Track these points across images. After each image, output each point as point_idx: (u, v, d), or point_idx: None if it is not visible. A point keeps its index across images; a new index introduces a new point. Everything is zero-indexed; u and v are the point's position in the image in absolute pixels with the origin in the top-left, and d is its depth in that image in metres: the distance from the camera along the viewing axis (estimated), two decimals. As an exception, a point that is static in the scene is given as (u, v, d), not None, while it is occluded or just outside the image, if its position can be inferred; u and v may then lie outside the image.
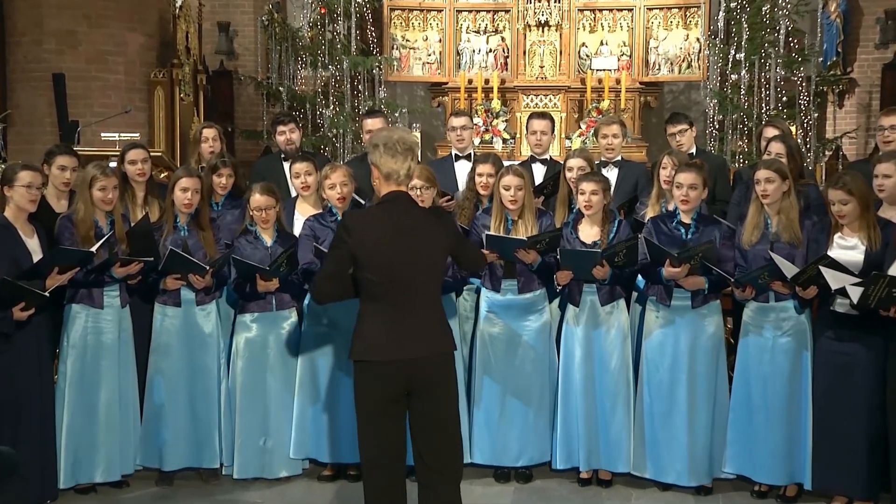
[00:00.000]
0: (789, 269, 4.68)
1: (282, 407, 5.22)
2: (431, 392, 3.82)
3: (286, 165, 6.42)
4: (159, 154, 7.19)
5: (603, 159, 6.23)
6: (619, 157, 6.32)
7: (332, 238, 3.98)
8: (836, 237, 4.76)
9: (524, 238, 4.98)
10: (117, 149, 6.58)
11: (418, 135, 9.91)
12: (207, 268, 5.02)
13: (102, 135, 7.79)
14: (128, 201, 5.55)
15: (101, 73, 9.73)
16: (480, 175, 5.49)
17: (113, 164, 5.62)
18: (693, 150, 6.36)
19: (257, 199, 5.16)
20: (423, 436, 3.84)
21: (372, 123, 6.44)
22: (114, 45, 9.76)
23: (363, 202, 5.70)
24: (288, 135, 6.54)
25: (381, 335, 3.77)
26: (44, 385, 4.85)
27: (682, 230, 5.06)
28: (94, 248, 4.78)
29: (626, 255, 4.93)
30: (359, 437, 3.85)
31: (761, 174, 4.93)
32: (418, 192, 5.06)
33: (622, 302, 5.21)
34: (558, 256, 5.03)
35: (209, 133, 6.34)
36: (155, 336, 5.18)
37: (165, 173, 6.94)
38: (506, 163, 5.73)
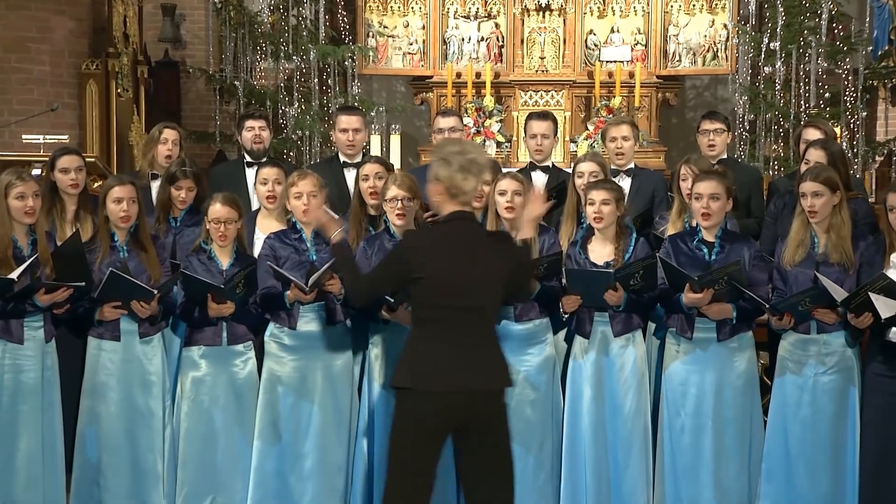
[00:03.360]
0: (838, 294, 4.70)
1: (235, 458, 5.19)
2: (490, 432, 4.17)
3: (250, 173, 6.42)
4: (92, 160, 7.18)
5: (613, 167, 6.24)
6: (631, 165, 6.34)
7: (388, 254, 4.52)
8: (893, 257, 4.80)
9: None
10: (42, 153, 6.57)
11: (398, 137, 9.94)
12: (154, 292, 5.01)
13: (24, 137, 7.78)
14: (55, 216, 5.53)
15: (21, 63, 9.72)
16: None
17: (37, 172, 5.62)
18: (724, 156, 6.39)
19: (217, 209, 5.14)
20: (482, 485, 4.20)
21: (347, 121, 6.46)
22: (37, 31, 9.76)
23: (336, 216, 5.70)
24: (257, 131, 6.56)
25: (439, 362, 4.12)
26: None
27: (705, 249, 5.07)
28: (14, 275, 4.74)
29: (643, 276, 4.95)
30: (388, 472, 4.20)
31: (807, 187, 4.93)
32: (399, 205, 5.08)
33: (639, 334, 5.23)
34: (564, 278, 5.04)
35: (170, 134, 6.29)
36: (89, 375, 5.14)
37: (99, 182, 6.93)
38: (504, 170, 5.74)
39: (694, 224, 5.26)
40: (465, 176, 4.13)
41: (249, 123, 6.60)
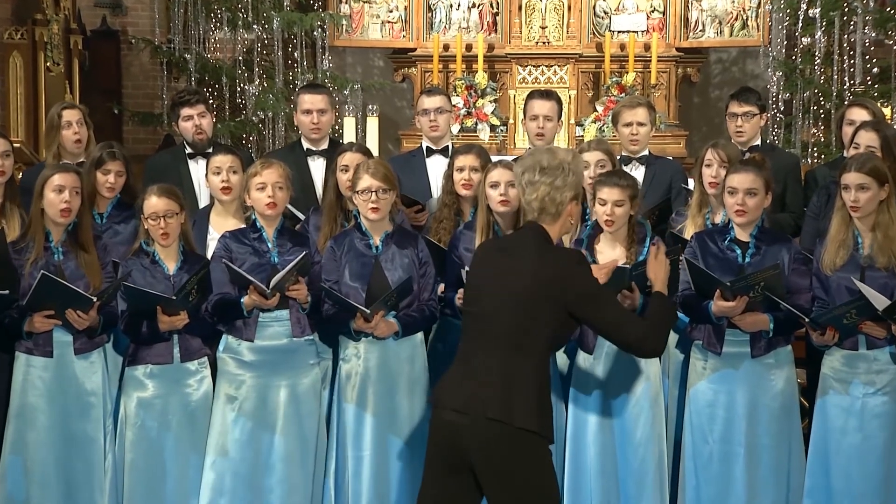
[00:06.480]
0: (881, 302, 4.71)
1: (188, 492, 5.19)
2: (486, 478, 4.09)
3: (193, 164, 6.41)
4: (17, 144, 7.15)
5: (624, 154, 6.27)
6: (645, 152, 6.36)
7: None
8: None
9: None
10: (-41, 138, 6.53)
11: (376, 120, 9.94)
12: (94, 299, 4.99)
13: (-62, 119, 7.77)
14: (-24, 211, 5.52)
15: (-67, 33, 9.70)
16: (461, 170, 5.52)
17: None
18: (757, 143, 6.39)
19: (154, 203, 5.13)
20: None
21: (311, 101, 6.46)
22: (-49, -5, 9.74)
23: (301, 215, 5.69)
24: (197, 120, 6.48)
25: (447, 377, 4.25)
26: None
27: (738, 250, 5.08)
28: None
29: None
30: None
31: (851, 178, 4.93)
32: (372, 197, 5.10)
33: (653, 348, 5.23)
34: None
35: (72, 115, 6.20)
36: (16, 397, 5.13)
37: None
38: (494, 157, 5.74)
39: (718, 220, 5.26)
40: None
41: (186, 112, 6.48)
